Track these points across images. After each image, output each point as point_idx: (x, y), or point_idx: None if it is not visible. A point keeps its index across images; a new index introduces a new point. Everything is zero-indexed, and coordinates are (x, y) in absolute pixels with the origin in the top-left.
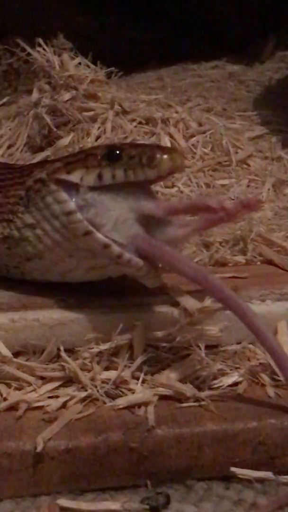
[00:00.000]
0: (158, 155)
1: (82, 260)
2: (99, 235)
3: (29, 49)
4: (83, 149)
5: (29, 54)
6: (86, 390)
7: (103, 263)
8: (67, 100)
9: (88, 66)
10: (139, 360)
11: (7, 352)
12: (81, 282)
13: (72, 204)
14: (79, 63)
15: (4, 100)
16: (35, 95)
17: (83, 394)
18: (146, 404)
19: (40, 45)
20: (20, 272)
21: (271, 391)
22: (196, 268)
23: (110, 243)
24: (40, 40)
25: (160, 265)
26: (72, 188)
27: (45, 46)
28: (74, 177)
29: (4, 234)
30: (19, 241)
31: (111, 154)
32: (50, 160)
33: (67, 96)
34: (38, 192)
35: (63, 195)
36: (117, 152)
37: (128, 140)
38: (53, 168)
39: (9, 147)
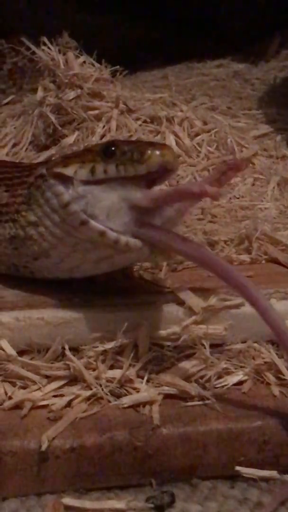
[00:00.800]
0: (148, 151)
1: (86, 253)
2: (94, 223)
3: (34, 48)
4: (85, 147)
5: (34, 53)
6: (91, 389)
7: (108, 253)
8: (72, 99)
9: (93, 65)
10: (144, 359)
11: (12, 351)
12: (87, 279)
13: (67, 196)
14: (84, 62)
15: (9, 98)
16: (40, 93)
17: (88, 393)
18: (151, 403)
19: (45, 44)
20: (30, 271)
21: (276, 390)
22: (193, 246)
23: (105, 230)
24: (45, 39)
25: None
26: (68, 182)
27: (50, 45)
28: (69, 171)
29: (10, 234)
30: (25, 240)
31: (107, 150)
32: (55, 158)
33: (72, 94)
34: (39, 188)
35: (60, 188)
36: (112, 148)
37: (133, 139)
38: (53, 163)
39: (14, 145)
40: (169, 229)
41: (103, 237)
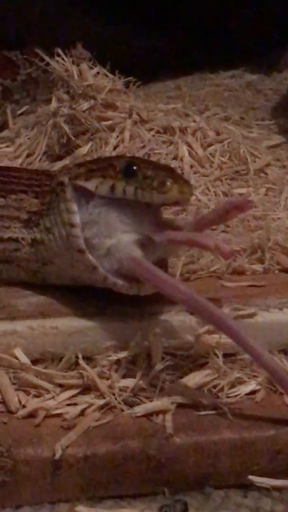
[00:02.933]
0: (168, 183)
1: (81, 271)
2: (89, 257)
3: (48, 59)
4: (108, 156)
5: (48, 64)
6: (104, 398)
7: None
8: (86, 110)
9: (107, 76)
10: (157, 368)
11: (26, 360)
12: (101, 288)
13: (77, 217)
14: (98, 73)
15: (23, 109)
16: (53, 104)
17: (101, 401)
18: (164, 412)
19: (59, 55)
20: (42, 277)
21: None
22: (186, 291)
23: (97, 266)
24: (59, 50)
25: None
26: (85, 198)
27: (63, 56)
28: (91, 185)
29: (31, 238)
30: (39, 244)
31: (128, 170)
32: (78, 164)
33: (85, 105)
34: (57, 196)
35: (73, 206)
36: (134, 168)
37: (147, 149)
38: (76, 173)
39: (28, 156)
40: (163, 271)
41: (94, 271)
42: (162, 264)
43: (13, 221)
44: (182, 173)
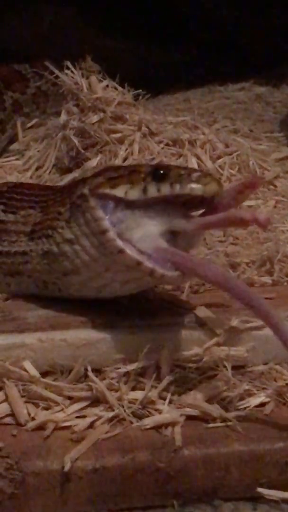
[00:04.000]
0: (207, 178)
1: (118, 273)
2: (132, 254)
3: (57, 72)
4: (120, 165)
5: (57, 77)
6: (113, 410)
7: (139, 275)
8: (95, 122)
9: (116, 89)
10: (166, 381)
11: (35, 372)
12: (110, 301)
13: (106, 222)
14: (107, 86)
15: (33, 122)
16: (63, 117)
17: (110, 414)
18: (173, 424)
19: (68, 68)
20: (58, 288)
21: None
22: (221, 273)
23: (142, 261)
24: (68, 63)
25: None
26: (110, 204)
27: (73, 69)
28: (119, 192)
29: (44, 249)
30: (58, 256)
31: (157, 173)
32: (90, 176)
33: (95, 118)
34: (79, 208)
35: (99, 213)
36: (162, 171)
37: (156, 162)
38: (96, 183)
39: (37, 168)
40: (193, 255)
41: (139, 266)
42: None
43: (19, 235)
44: None
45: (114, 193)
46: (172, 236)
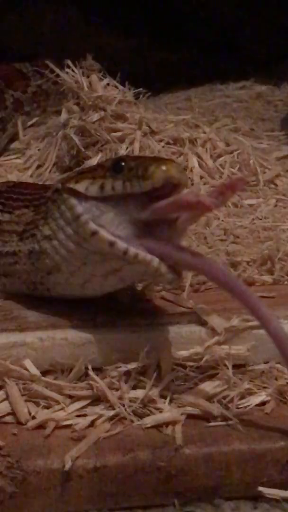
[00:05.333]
0: (152, 167)
1: (96, 265)
2: (105, 233)
3: (58, 71)
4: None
5: (58, 76)
6: (114, 409)
7: (116, 266)
8: (96, 121)
9: (117, 87)
10: (166, 379)
11: (35, 371)
12: (110, 300)
13: (80, 207)
14: (108, 84)
15: (33, 121)
16: (63, 116)
17: (111, 413)
18: (173, 423)
19: (69, 67)
20: (47, 288)
21: None
22: (200, 258)
23: (115, 240)
24: (69, 62)
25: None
26: (80, 196)
27: (73, 68)
28: (81, 186)
29: (29, 249)
30: (40, 254)
31: (116, 166)
32: (73, 171)
33: (95, 116)
34: (54, 202)
35: (73, 201)
36: (122, 163)
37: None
38: (67, 178)
39: (38, 167)
40: (174, 242)
41: (113, 247)
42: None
43: (12, 235)
44: (192, 184)
45: (76, 187)
46: (149, 227)
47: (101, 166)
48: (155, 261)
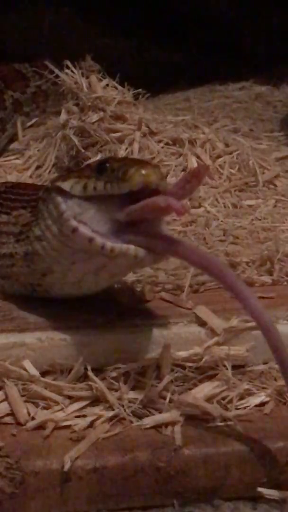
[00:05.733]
0: (131, 170)
1: (84, 264)
2: (83, 230)
3: (57, 71)
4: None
5: (57, 76)
6: (113, 410)
7: (102, 262)
8: (95, 122)
9: (116, 88)
10: (166, 380)
11: (35, 372)
12: (110, 300)
13: (63, 205)
14: (107, 85)
15: (33, 121)
16: (63, 116)
17: (110, 413)
18: (173, 423)
19: (68, 67)
20: (44, 289)
21: None
22: (190, 247)
23: (93, 236)
24: (68, 62)
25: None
26: (66, 195)
27: (73, 68)
28: (66, 185)
29: (24, 251)
30: (33, 256)
31: (100, 167)
32: (66, 170)
33: (94, 117)
34: (44, 202)
35: (58, 199)
36: (106, 164)
37: (156, 161)
38: (56, 177)
39: (37, 168)
40: (156, 232)
41: (92, 243)
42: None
43: (9, 236)
44: None
45: (63, 186)
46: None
47: (89, 166)
48: (131, 249)
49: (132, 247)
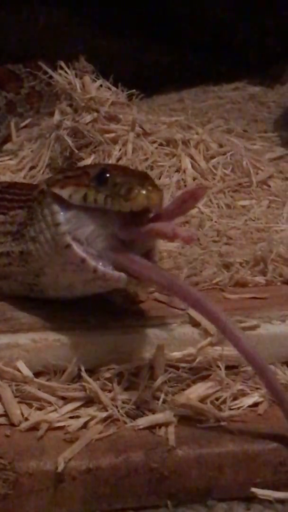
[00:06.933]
0: (136, 190)
1: (73, 274)
2: (76, 249)
3: (51, 72)
4: (85, 164)
5: (51, 77)
6: (106, 411)
7: (91, 277)
8: (89, 122)
9: (110, 89)
10: (159, 381)
11: (28, 372)
12: (103, 301)
13: (61, 216)
14: (101, 86)
15: (26, 122)
16: (57, 117)
17: (104, 414)
18: (166, 424)
19: (62, 68)
20: (40, 290)
21: None
22: (168, 276)
23: (85, 257)
24: (62, 63)
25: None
26: (64, 202)
27: (67, 69)
28: (65, 193)
29: (19, 250)
30: (27, 256)
31: (100, 177)
32: (58, 171)
33: (88, 118)
34: (39, 204)
35: (56, 207)
36: (106, 175)
37: (149, 162)
38: (53, 180)
39: (31, 168)
40: (146, 260)
41: (83, 264)
42: (149, 254)
43: (6, 236)
44: (185, 185)
45: (61, 193)
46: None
47: (86, 173)
48: (123, 279)
49: (123, 275)
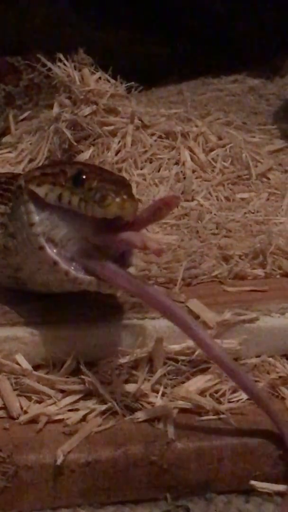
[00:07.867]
0: (110, 197)
1: (49, 273)
2: (50, 252)
3: (50, 64)
4: (64, 161)
5: (50, 69)
6: (106, 403)
7: (58, 276)
8: (88, 115)
9: (108, 81)
10: (158, 373)
11: (27, 365)
12: (102, 294)
13: (36, 216)
14: (100, 78)
15: (25, 114)
16: (55, 109)
17: (103, 407)
18: (165, 417)
19: (60, 60)
20: (22, 283)
21: None
22: (138, 284)
23: (58, 260)
24: (61, 55)
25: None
26: (39, 202)
27: (65, 61)
28: (41, 191)
29: (3, 243)
30: (6, 251)
31: (77, 178)
32: (38, 167)
33: (87, 110)
34: (17, 199)
35: (31, 206)
36: (83, 177)
37: (148, 154)
38: (30, 176)
39: (30, 161)
40: (116, 266)
41: (56, 266)
42: (125, 255)
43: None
44: (184, 178)
45: (37, 191)
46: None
47: (64, 172)
48: (94, 283)
49: (94, 279)
